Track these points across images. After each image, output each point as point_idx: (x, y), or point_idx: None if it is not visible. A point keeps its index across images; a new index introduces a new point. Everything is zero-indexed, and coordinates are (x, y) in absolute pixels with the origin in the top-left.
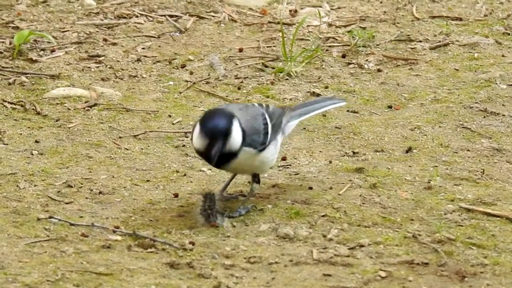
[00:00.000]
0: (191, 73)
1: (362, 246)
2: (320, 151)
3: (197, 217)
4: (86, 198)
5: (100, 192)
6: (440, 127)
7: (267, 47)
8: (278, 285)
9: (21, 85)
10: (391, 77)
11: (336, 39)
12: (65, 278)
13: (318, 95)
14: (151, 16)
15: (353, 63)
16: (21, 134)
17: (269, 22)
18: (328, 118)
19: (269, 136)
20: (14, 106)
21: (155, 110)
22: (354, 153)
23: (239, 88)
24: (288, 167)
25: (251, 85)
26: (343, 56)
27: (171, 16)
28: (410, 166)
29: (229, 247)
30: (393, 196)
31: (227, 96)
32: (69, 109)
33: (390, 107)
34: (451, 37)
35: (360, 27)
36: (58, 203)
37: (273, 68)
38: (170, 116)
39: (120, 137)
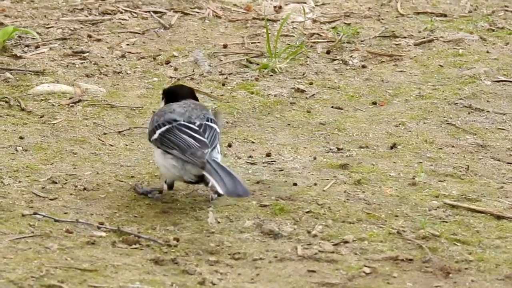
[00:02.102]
0: (176, 69)
1: (346, 242)
2: (305, 147)
3: None
4: (71, 194)
5: (84, 188)
6: (424, 123)
7: (252, 43)
8: (262, 281)
9: (6, 81)
10: (375, 73)
11: (321, 35)
12: (50, 274)
13: (302, 91)
14: (135, 12)
15: (337, 59)
16: (5, 130)
17: (254, 18)
18: (313, 114)
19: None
20: None
21: (140, 106)
22: (338, 149)
23: (223, 84)
24: (272, 163)
25: (235, 81)
26: (328, 52)
27: (155, 12)
28: (394, 162)
29: (213, 243)
30: (377, 192)
31: (211, 92)
32: (53, 105)
33: (374, 103)
34: (436, 33)
35: (345, 23)
36: (43, 199)
37: (258, 64)
38: (154, 112)
39: (104, 133)
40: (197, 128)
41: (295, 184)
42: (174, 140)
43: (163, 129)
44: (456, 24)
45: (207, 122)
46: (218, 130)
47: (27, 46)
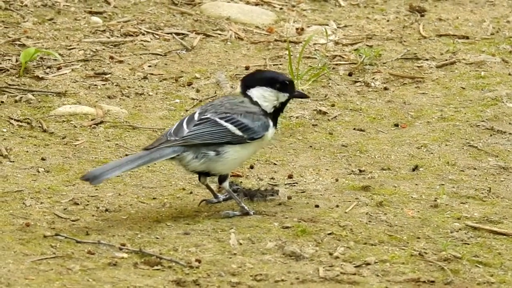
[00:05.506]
0: (198, 91)
1: (368, 264)
2: (327, 169)
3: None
4: (93, 215)
5: (106, 210)
6: (446, 145)
7: (274, 65)
8: None
9: (28, 102)
10: (397, 95)
11: (343, 57)
12: None
13: (324, 113)
14: (157, 34)
15: (359, 81)
16: (27, 151)
17: (276, 40)
18: (335, 136)
19: None
20: (20, 124)
21: (162, 127)
22: (360, 171)
23: None
24: (294, 185)
25: None
26: (350, 75)
27: (177, 34)
28: (416, 184)
29: (235, 264)
30: (399, 214)
31: None
32: (75, 126)
33: (396, 125)
34: (458, 55)
35: (367, 45)
36: (65, 221)
37: None
38: None
39: (126, 155)
40: (196, 120)
41: (317, 206)
42: None
43: None
44: (478, 47)
45: (215, 118)
46: (230, 129)
47: (49, 67)
